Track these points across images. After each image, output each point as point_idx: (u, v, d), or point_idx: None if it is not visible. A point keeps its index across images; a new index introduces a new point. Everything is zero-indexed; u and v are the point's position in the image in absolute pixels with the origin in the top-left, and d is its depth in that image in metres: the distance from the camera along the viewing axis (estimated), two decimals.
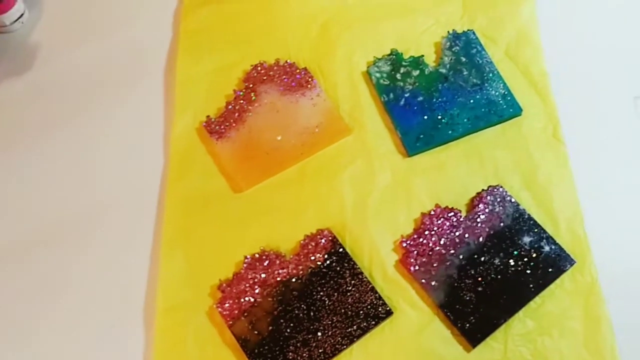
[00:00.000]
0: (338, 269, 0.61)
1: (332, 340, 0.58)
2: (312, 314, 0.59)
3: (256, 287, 0.61)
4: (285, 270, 0.62)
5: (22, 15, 0.79)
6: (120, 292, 0.64)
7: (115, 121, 0.73)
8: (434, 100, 0.70)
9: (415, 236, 0.63)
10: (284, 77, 0.72)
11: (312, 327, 0.59)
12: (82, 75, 0.77)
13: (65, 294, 0.64)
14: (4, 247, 0.67)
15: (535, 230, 0.62)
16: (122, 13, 0.81)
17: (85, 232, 0.67)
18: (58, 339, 0.62)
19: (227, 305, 0.60)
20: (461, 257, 0.62)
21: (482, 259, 0.62)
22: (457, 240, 0.63)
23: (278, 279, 0.61)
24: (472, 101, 0.69)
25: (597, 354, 0.57)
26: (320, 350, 0.58)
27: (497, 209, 0.64)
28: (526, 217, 0.63)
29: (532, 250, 0.62)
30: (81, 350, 0.61)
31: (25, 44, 0.79)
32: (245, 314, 0.60)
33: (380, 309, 0.59)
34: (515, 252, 0.62)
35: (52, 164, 0.71)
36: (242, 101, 0.71)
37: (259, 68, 0.73)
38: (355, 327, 0.59)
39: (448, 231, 0.63)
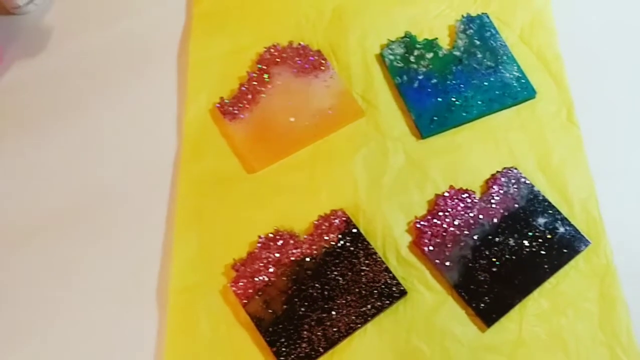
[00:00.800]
0: (352, 249, 0.61)
1: (347, 319, 0.58)
2: (326, 293, 0.59)
3: (270, 266, 0.61)
4: (299, 250, 0.62)
5: None
6: (134, 273, 0.63)
7: (128, 104, 0.73)
8: (448, 82, 0.69)
9: (429, 217, 0.63)
10: (297, 59, 0.72)
11: (326, 306, 0.59)
12: (95, 59, 0.76)
13: (79, 275, 0.64)
14: (20, 231, 0.67)
15: (550, 211, 0.62)
16: None
17: (99, 214, 0.67)
18: (72, 320, 0.62)
19: (241, 284, 0.60)
20: (475, 237, 0.62)
21: (497, 239, 0.61)
22: (472, 221, 0.62)
23: (292, 258, 0.61)
24: (486, 83, 0.69)
25: (613, 335, 0.57)
26: (334, 329, 0.58)
27: (511, 191, 0.64)
28: (541, 198, 0.63)
29: (547, 231, 0.61)
30: (95, 331, 0.61)
31: (38, 26, 0.79)
32: (260, 293, 0.60)
33: (394, 289, 0.59)
34: (530, 233, 0.61)
35: (64, 147, 0.71)
36: (255, 83, 0.71)
37: (272, 50, 0.73)
38: (369, 306, 0.59)
39: (462, 212, 0.63)
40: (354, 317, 0.58)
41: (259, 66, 0.72)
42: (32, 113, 0.74)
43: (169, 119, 0.71)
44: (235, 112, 0.69)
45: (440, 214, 0.63)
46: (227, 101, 0.70)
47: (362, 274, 0.60)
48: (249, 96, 0.70)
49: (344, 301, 0.59)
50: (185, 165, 0.68)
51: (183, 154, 0.69)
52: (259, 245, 0.62)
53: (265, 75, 0.71)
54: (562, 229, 0.61)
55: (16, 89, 0.75)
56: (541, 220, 0.62)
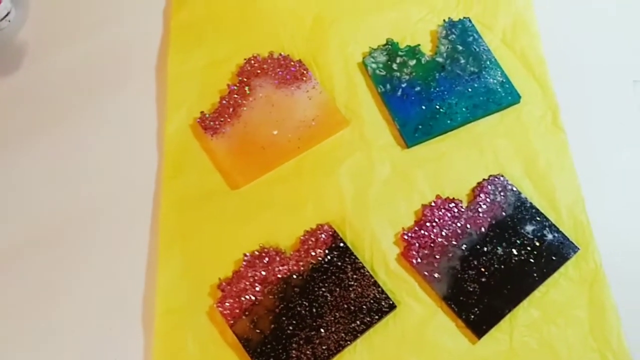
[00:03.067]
0: (339, 264, 0.60)
1: (336, 337, 0.57)
2: (314, 310, 0.59)
3: (257, 284, 0.60)
4: (285, 267, 0.61)
5: (8, 13, 0.77)
6: (118, 294, 0.62)
7: (107, 120, 0.72)
8: (432, 89, 0.69)
9: (417, 228, 0.62)
10: (279, 70, 0.71)
11: (314, 324, 0.58)
12: (72, 74, 0.75)
13: (60, 298, 0.63)
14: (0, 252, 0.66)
15: (538, 218, 0.62)
16: (110, 10, 0.79)
17: (79, 234, 0.66)
18: (55, 344, 0.61)
19: (227, 304, 0.59)
20: (463, 248, 0.61)
21: (485, 249, 0.61)
22: (459, 231, 0.62)
23: (279, 276, 0.60)
24: (470, 90, 0.68)
25: (604, 341, 0.57)
26: (323, 347, 0.57)
27: (498, 198, 0.63)
28: (528, 205, 0.62)
29: (535, 239, 0.61)
30: (80, 354, 0.60)
31: (12, 42, 0.77)
32: (247, 313, 0.59)
33: (383, 303, 0.58)
34: (518, 241, 0.61)
35: (43, 165, 0.70)
36: (236, 95, 0.70)
37: (253, 61, 0.72)
38: (358, 322, 0.58)
39: (449, 222, 0.62)
40: (343, 334, 0.57)
41: (240, 78, 0.71)
42: (9, 130, 0.72)
43: (149, 134, 0.70)
44: (217, 126, 0.68)
45: (428, 224, 0.62)
46: (208, 115, 0.69)
47: (351, 289, 0.59)
48: (230, 110, 0.69)
49: (332, 318, 0.58)
50: (167, 182, 0.67)
51: (165, 170, 0.67)
52: (245, 263, 0.61)
53: (246, 88, 0.70)
54: (550, 236, 0.61)
55: None
56: (529, 228, 0.61)
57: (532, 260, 0.60)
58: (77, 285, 0.63)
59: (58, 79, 0.75)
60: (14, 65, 0.76)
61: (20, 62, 0.76)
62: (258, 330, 0.58)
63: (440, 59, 0.70)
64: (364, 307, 0.58)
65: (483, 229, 0.62)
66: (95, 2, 0.80)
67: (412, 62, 0.70)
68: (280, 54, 0.72)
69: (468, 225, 0.62)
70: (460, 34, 0.71)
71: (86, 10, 0.79)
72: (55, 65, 0.76)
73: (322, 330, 0.58)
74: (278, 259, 0.61)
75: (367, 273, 0.60)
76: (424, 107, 0.68)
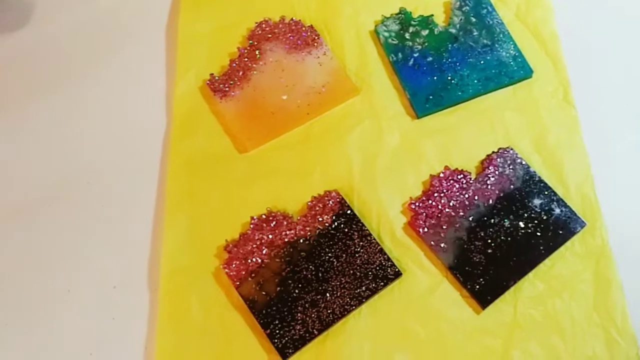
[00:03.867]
0: (346, 230, 0.60)
1: (341, 301, 0.57)
2: (320, 275, 0.59)
3: (263, 248, 0.60)
4: (292, 232, 0.61)
5: None
6: (124, 255, 0.62)
7: (115, 81, 0.71)
8: (444, 60, 0.68)
9: (424, 198, 0.62)
10: (290, 34, 0.70)
11: (320, 288, 0.58)
12: (79, 34, 0.74)
13: (67, 258, 0.63)
14: (4, 214, 0.65)
15: (546, 192, 0.62)
16: None
17: (86, 195, 0.65)
18: (61, 304, 0.61)
19: (234, 265, 0.59)
20: (471, 219, 0.61)
21: (492, 221, 0.61)
22: (467, 202, 0.62)
23: (285, 240, 0.60)
24: (482, 62, 0.68)
25: (608, 316, 0.57)
26: (329, 311, 0.57)
27: (507, 171, 0.63)
28: (536, 179, 0.62)
29: (543, 213, 0.61)
30: (86, 315, 0.60)
31: (19, 1, 0.76)
32: (253, 275, 0.59)
33: (389, 270, 0.58)
34: (526, 215, 0.61)
35: (49, 126, 0.69)
36: (246, 59, 0.69)
37: (264, 25, 0.71)
38: (364, 288, 0.58)
39: (457, 193, 0.62)
40: (348, 299, 0.57)
41: (250, 42, 0.70)
42: (15, 92, 0.71)
43: (157, 96, 0.69)
44: (226, 89, 0.67)
45: (435, 195, 0.62)
46: (217, 78, 0.68)
47: (357, 255, 0.59)
48: (240, 73, 0.68)
49: (338, 283, 0.58)
50: (175, 145, 0.66)
51: (173, 132, 0.67)
52: (252, 226, 0.61)
53: (257, 52, 0.69)
54: (557, 210, 0.61)
55: None
56: (537, 202, 0.61)
57: (538, 234, 0.60)
58: (84, 246, 0.63)
59: (65, 40, 0.74)
60: (20, 24, 0.74)
61: (27, 20, 0.75)
62: (264, 293, 0.58)
63: (453, 30, 0.70)
64: (370, 273, 0.58)
65: (491, 201, 0.62)
66: None
67: (425, 32, 0.70)
68: (292, 19, 0.71)
69: (476, 197, 0.62)
70: (474, 6, 0.71)
71: None
72: (63, 25, 0.74)
73: (327, 294, 0.58)
74: (285, 223, 0.61)
75: (373, 240, 0.60)
76: (435, 78, 0.67)
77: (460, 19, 0.70)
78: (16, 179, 0.67)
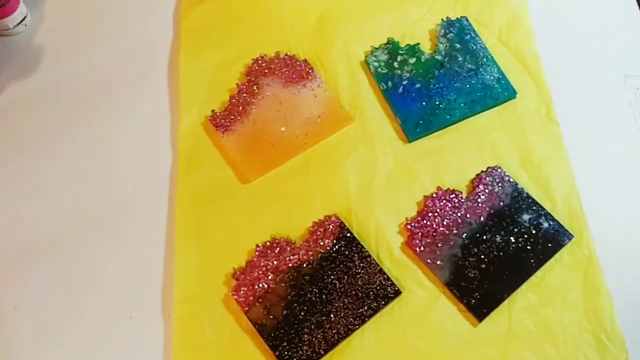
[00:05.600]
0: (347, 252, 0.64)
1: (345, 321, 0.61)
2: (324, 297, 0.62)
3: (269, 273, 0.63)
4: (296, 257, 0.64)
5: (24, 18, 0.80)
6: (138, 285, 0.66)
7: (122, 121, 0.75)
8: (431, 86, 0.72)
9: (419, 218, 0.66)
10: (285, 69, 0.74)
11: (324, 310, 0.61)
12: (86, 77, 0.78)
13: (84, 290, 0.66)
14: (22, 247, 0.68)
15: (534, 207, 0.65)
16: (122, 14, 0.82)
17: (101, 229, 0.69)
18: (79, 334, 0.64)
19: (242, 292, 0.62)
20: (464, 236, 0.64)
21: (484, 237, 0.64)
22: (460, 220, 0.65)
23: (290, 265, 0.64)
24: (468, 86, 0.72)
25: (598, 323, 0.60)
26: (333, 331, 0.60)
27: (496, 189, 0.66)
28: (524, 195, 0.66)
29: (532, 227, 0.64)
30: (103, 342, 0.63)
31: (28, 47, 0.80)
32: (260, 300, 0.62)
33: (389, 289, 0.62)
34: (516, 230, 0.64)
35: (61, 166, 0.73)
36: (245, 94, 0.73)
37: (260, 61, 0.75)
38: (365, 307, 0.61)
39: (450, 212, 0.66)
40: (351, 319, 0.61)
41: (248, 78, 0.74)
42: (28, 132, 0.75)
43: (163, 133, 0.73)
44: (228, 124, 0.71)
45: (430, 214, 0.66)
46: (218, 113, 0.72)
47: (358, 276, 0.63)
48: (240, 108, 0.72)
49: (341, 304, 0.61)
50: (181, 178, 0.70)
51: (179, 167, 0.71)
52: (257, 253, 0.64)
53: (255, 87, 0.73)
54: (546, 224, 0.64)
55: (10, 109, 0.76)
56: (526, 217, 0.65)
57: (529, 247, 0.63)
58: (100, 277, 0.67)
59: (73, 82, 0.77)
60: (31, 69, 0.78)
61: (37, 65, 0.79)
62: (271, 316, 0.61)
63: (439, 57, 0.74)
64: (371, 293, 0.62)
65: (482, 218, 0.65)
66: (108, 7, 0.82)
67: (412, 60, 0.73)
68: (287, 54, 0.75)
69: (468, 215, 0.65)
70: (458, 33, 0.75)
71: (99, 14, 0.82)
72: (70, 68, 0.78)
73: (331, 315, 0.61)
74: (289, 248, 0.64)
75: (373, 261, 0.63)
76: (424, 103, 0.71)
77: (445, 46, 0.74)
78: (33, 217, 0.70)
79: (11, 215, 0.70)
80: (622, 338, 0.60)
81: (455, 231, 0.65)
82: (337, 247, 0.64)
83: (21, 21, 0.80)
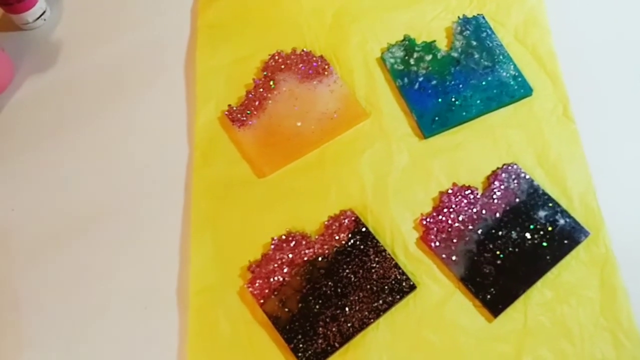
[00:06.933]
0: (362, 247, 0.64)
1: (360, 315, 0.61)
2: (339, 290, 0.62)
3: (284, 266, 0.63)
4: (311, 250, 0.64)
5: (44, 12, 0.81)
6: (154, 277, 0.66)
7: (140, 115, 0.76)
8: (447, 83, 0.72)
9: (435, 214, 0.66)
10: (301, 65, 0.74)
11: (339, 303, 0.61)
12: (105, 72, 0.79)
13: (100, 281, 0.67)
14: (39, 239, 0.69)
15: (550, 204, 0.65)
16: (141, 10, 0.83)
17: (117, 221, 0.70)
18: (94, 324, 0.65)
19: (257, 284, 0.63)
20: (479, 232, 0.64)
21: (500, 233, 0.64)
22: (475, 216, 0.65)
23: (305, 258, 0.64)
24: (484, 83, 0.72)
25: (614, 320, 0.60)
26: (348, 325, 0.60)
27: (512, 186, 0.66)
28: (540, 192, 0.66)
29: (548, 224, 0.64)
30: (119, 333, 0.64)
31: (48, 40, 0.81)
32: (275, 293, 0.62)
33: (404, 284, 0.62)
34: (532, 226, 0.64)
35: (80, 158, 0.74)
36: (261, 89, 0.73)
37: (277, 57, 0.75)
38: (381, 301, 0.61)
39: (466, 208, 0.66)
40: (366, 313, 0.61)
41: (264, 73, 0.75)
42: (46, 126, 0.76)
43: (180, 128, 0.74)
44: (244, 118, 0.72)
45: (445, 210, 0.66)
46: (235, 108, 0.73)
47: (373, 270, 0.63)
48: (256, 103, 0.73)
49: (356, 298, 0.62)
50: (197, 172, 0.71)
51: (195, 160, 0.71)
52: (273, 246, 0.65)
53: (271, 82, 0.74)
54: (562, 221, 0.64)
55: (29, 102, 0.78)
56: (542, 214, 0.65)
57: (544, 244, 0.63)
58: (116, 269, 0.67)
59: (92, 77, 0.78)
60: (49, 63, 0.79)
61: (55, 60, 0.80)
62: (287, 309, 0.61)
63: (455, 54, 0.74)
64: (386, 287, 0.62)
65: (498, 215, 0.65)
66: (126, 3, 0.84)
67: (429, 57, 0.74)
68: (303, 50, 0.75)
69: (483, 211, 0.65)
70: (474, 30, 0.75)
71: (118, 9, 0.83)
72: (89, 63, 0.79)
73: (346, 309, 0.61)
74: (304, 242, 0.65)
75: (388, 256, 0.63)
76: (440, 100, 0.71)
77: (462, 43, 0.74)
78: (50, 209, 0.71)
79: (29, 208, 0.71)
80: (639, 335, 0.59)
81: (470, 227, 0.65)
82: (352, 241, 0.64)
83: (40, 15, 0.81)
